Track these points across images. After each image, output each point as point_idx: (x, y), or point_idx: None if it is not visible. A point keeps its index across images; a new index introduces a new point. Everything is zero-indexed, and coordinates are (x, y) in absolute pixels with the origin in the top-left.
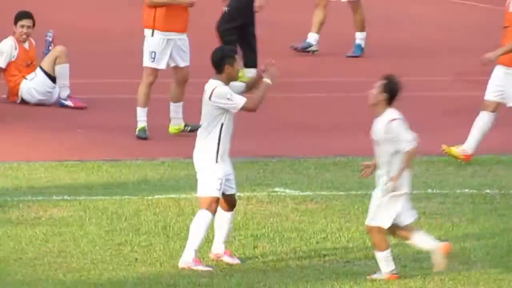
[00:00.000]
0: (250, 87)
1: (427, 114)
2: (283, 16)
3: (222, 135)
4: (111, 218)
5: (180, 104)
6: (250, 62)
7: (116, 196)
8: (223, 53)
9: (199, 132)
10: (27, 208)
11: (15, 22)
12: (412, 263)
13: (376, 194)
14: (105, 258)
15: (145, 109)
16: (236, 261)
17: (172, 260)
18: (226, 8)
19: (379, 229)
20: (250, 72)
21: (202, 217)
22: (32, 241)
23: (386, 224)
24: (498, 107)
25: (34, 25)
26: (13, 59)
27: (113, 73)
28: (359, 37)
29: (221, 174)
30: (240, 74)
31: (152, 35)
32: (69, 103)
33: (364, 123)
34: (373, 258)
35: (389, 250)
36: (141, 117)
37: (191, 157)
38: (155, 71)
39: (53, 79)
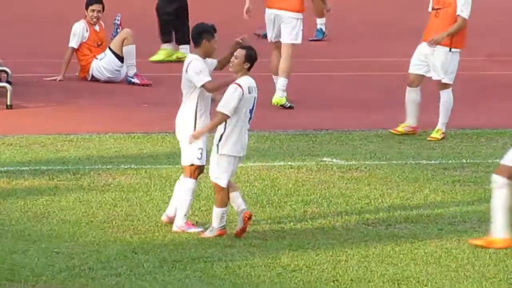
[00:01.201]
0: (224, 64)
1: (461, 91)
2: None
3: (198, 106)
4: (173, 185)
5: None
6: (183, 38)
7: (178, 165)
8: (202, 28)
9: (183, 97)
10: (97, 175)
11: (86, 7)
12: (448, 226)
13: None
14: None
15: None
16: (199, 229)
17: (229, 223)
18: None
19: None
20: (184, 48)
21: (186, 185)
22: (102, 205)
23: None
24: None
25: (103, 9)
26: (84, 40)
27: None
28: (320, 23)
29: (201, 144)
30: (179, 55)
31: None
32: (135, 80)
33: (399, 98)
34: (413, 221)
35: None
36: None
37: (249, 130)
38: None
39: (121, 58)
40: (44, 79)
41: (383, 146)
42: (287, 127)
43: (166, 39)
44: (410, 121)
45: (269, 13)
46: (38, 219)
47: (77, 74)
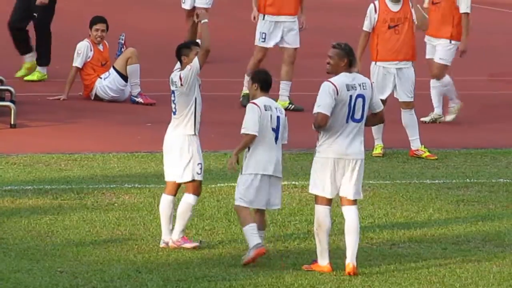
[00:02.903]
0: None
1: (465, 110)
2: (329, 20)
3: (196, 125)
4: (177, 204)
5: (289, 83)
6: (43, 58)
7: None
8: (180, 46)
9: (174, 120)
10: (101, 195)
11: (91, 26)
12: (452, 245)
13: None
14: None
15: None
16: (194, 244)
17: (233, 242)
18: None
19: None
20: (42, 69)
21: (187, 201)
22: (106, 225)
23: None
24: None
25: (107, 28)
26: (88, 60)
27: None
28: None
29: (200, 159)
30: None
31: (263, 18)
32: (139, 99)
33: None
34: (417, 241)
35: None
36: None
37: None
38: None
39: (125, 78)
40: (48, 98)
41: (387, 165)
42: (291, 146)
43: (23, 51)
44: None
45: (271, 19)
46: (42, 238)
47: (81, 93)
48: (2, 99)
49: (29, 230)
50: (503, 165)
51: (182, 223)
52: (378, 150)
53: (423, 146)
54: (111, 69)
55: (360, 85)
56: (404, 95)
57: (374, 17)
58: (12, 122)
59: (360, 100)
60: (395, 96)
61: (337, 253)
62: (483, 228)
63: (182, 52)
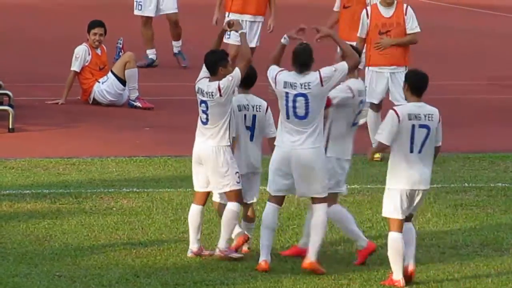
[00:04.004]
0: (217, 45)
1: (463, 115)
2: None
3: (230, 131)
4: (176, 209)
5: None
6: None
7: (180, 189)
8: (216, 56)
9: (206, 130)
10: (100, 199)
11: (88, 30)
12: (450, 250)
13: None
14: (170, 245)
15: None
16: (240, 255)
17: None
18: None
19: None
20: None
21: (232, 209)
22: (104, 229)
23: None
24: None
25: (105, 33)
26: (86, 64)
27: (177, 77)
28: (176, 46)
29: (236, 168)
30: None
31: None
32: (137, 104)
33: None
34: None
35: None
36: None
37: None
38: None
39: (123, 82)
40: (46, 102)
41: (385, 170)
42: None
43: None
44: None
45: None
46: (40, 242)
47: (79, 97)
48: (1, 103)
49: (27, 235)
50: (501, 169)
51: (229, 232)
52: (376, 155)
53: None
54: (109, 73)
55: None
56: (399, 97)
57: (367, 23)
58: (10, 126)
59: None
60: (390, 99)
61: (335, 258)
62: (482, 232)
63: (221, 63)
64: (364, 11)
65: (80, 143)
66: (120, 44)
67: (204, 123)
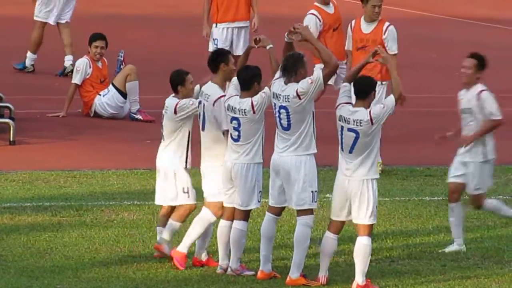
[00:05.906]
0: (244, 61)
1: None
2: None
3: (262, 148)
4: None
5: None
6: None
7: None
8: (251, 72)
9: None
10: (100, 212)
11: (90, 43)
12: (451, 262)
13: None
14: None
15: None
16: (252, 272)
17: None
18: None
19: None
20: None
21: (238, 227)
22: (105, 242)
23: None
24: None
25: (107, 45)
26: (87, 77)
27: None
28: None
29: (261, 187)
30: None
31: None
32: (138, 116)
33: (401, 136)
34: (416, 257)
35: None
36: None
37: None
38: None
39: (124, 94)
40: (47, 115)
41: (386, 182)
42: None
43: None
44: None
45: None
46: (41, 255)
47: (80, 110)
48: (1, 116)
49: (28, 247)
50: (502, 182)
51: (239, 250)
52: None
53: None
54: (110, 86)
55: None
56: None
57: (350, 35)
58: (11, 139)
59: None
60: None
61: (336, 271)
62: (483, 245)
63: (256, 79)
64: (350, 24)
65: (81, 155)
66: (121, 57)
67: (235, 140)
